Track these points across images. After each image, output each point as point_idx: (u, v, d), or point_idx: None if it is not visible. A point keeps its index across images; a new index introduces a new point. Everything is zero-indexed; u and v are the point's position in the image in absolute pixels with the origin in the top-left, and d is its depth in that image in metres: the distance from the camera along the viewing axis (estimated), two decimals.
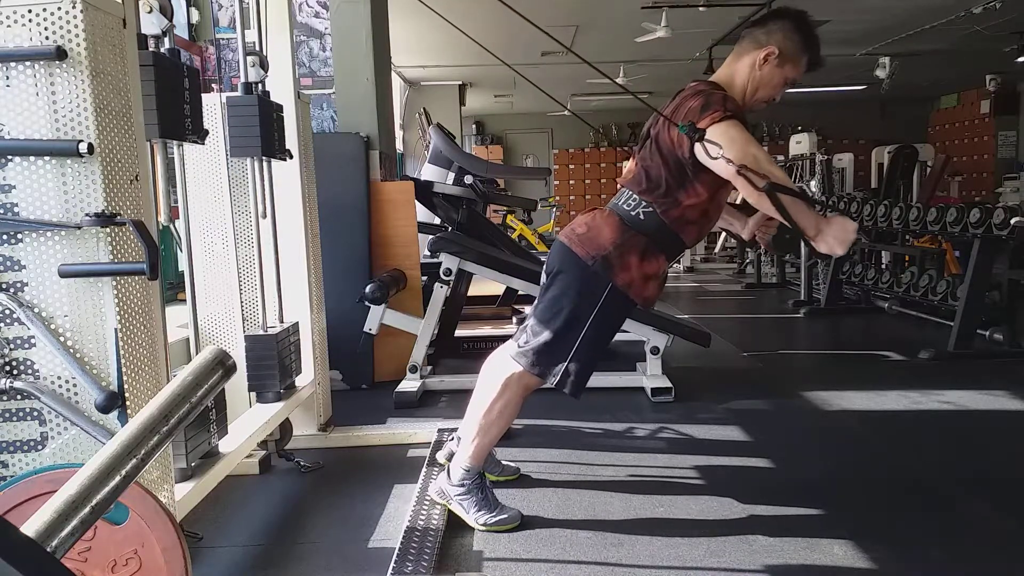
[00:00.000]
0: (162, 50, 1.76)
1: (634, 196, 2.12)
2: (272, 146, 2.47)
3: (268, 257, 2.59)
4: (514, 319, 5.06)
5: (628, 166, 2.29)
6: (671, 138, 2.02)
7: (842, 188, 7.17)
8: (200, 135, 1.90)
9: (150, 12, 1.71)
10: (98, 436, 1.43)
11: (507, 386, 2.20)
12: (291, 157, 2.69)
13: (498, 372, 2.22)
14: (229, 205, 2.70)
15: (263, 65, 2.45)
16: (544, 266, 2.25)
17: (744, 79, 2.10)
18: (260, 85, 2.46)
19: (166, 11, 1.73)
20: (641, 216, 2.10)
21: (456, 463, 2.27)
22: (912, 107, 12.36)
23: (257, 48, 2.59)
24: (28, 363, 1.46)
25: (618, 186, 2.27)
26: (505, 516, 2.21)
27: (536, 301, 2.25)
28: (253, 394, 2.56)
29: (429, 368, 3.97)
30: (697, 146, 1.88)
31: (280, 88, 2.72)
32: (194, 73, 1.88)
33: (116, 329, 1.45)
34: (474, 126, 13.28)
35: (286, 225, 2.77)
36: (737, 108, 1.98)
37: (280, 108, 2.57)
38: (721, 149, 1.83)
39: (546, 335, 2.13)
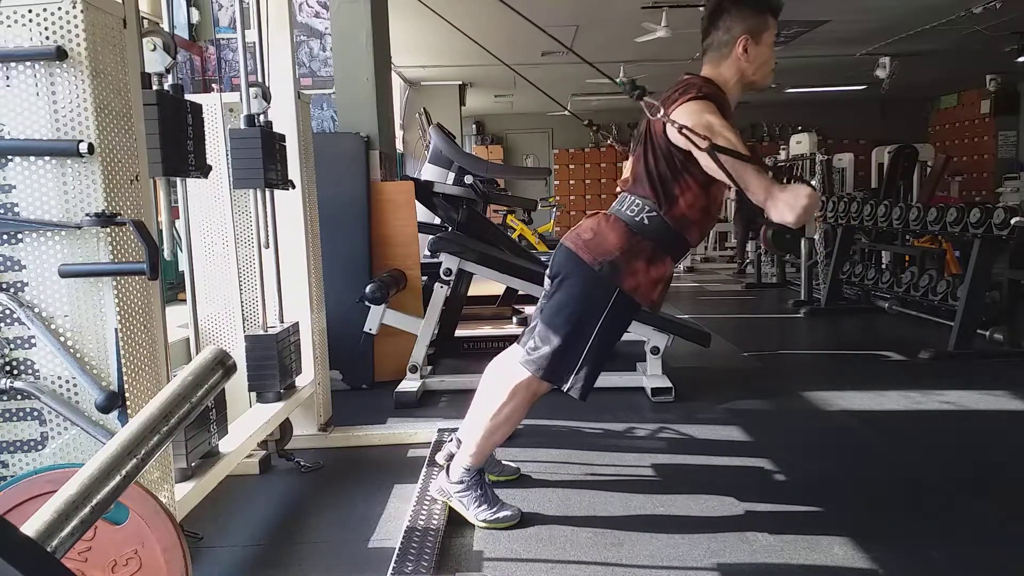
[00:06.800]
0: (166, 87, 1.77)
1: (636, 201, 2.12)
2: (275, 177, 2.48)
3: (268, 257, 2.59)
4: (514, 319, 5.06)
5: (626, 168, 2.29)
6: (659, 128, 2.05)
7: (842, 188, 7.18)
8: (203, 171, 1.93)
9: (154, 50, 1.72)
10: (98, 436, 1.43)
11: (516, 392, 2.19)
12: (294, 187, 2.70)
13: (506, 378, 2.22)
14: (229, 205, 2.70)
15: (266, 97, 2.45)
16: (548, 270, 2.24)
17: (737, 73, 2.10)
18: (263, 116, 2.46)
19: (170, 49, 1.74)
20: (645, 221, 2.10)
21: (456, 463, 2.28)
22: (912, 107, 12.35)
23: (257, 49, 2.59)
24: (28, 363, 1.46)
25: (618, 190, 2.27)
26: (505, 513, 2.22)
27: (541, 305, 2.25)
28: (253, 394, 2.56)
29: (429, 368, 3.97)
30: (668, 126, 1.91)
31: (280, 88, 2.72)
32: (197, 109, 1.90)
33: (116, 329, 1.45)
34: (474, 126, 13.27)
35: (286, 225, 2.77)
36: (713, 92, 1.99)
37: (283, 138, 2.57)
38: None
39: (555, 341, 2.13)
